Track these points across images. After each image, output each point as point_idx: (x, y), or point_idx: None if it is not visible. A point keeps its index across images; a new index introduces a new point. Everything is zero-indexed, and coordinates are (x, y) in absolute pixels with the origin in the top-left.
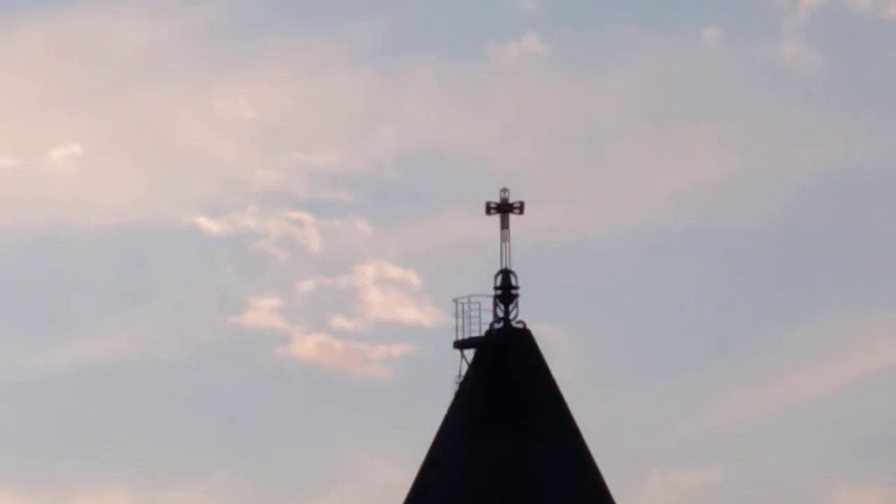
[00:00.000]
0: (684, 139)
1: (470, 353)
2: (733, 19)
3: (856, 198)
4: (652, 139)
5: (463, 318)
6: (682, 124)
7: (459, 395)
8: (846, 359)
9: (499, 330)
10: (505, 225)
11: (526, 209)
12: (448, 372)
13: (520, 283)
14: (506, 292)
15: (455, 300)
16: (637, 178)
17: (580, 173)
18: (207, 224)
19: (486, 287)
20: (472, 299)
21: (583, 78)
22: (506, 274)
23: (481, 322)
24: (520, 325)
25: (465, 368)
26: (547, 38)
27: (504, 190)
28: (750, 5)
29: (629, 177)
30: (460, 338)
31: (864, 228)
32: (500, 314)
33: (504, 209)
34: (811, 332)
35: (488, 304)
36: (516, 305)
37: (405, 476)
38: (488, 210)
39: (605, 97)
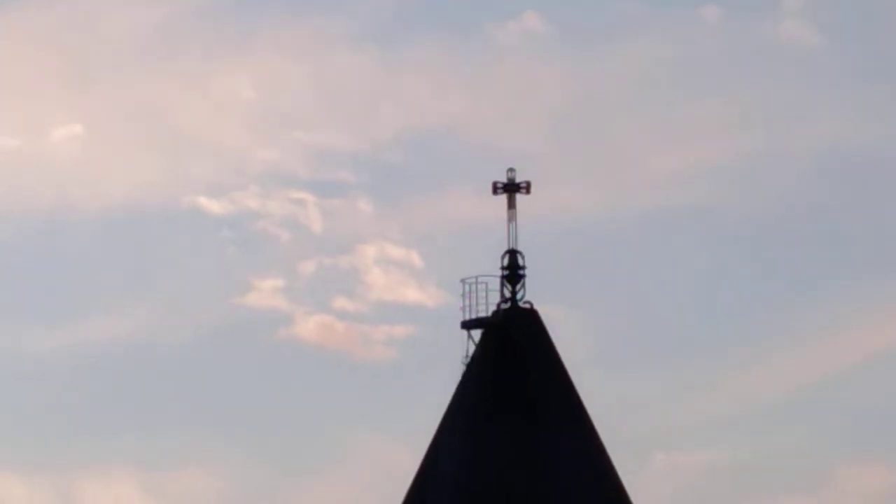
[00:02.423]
0: (688, 118)
1: (476, 334)
2: None
3: (859, 176)
4: (656, 118)
5: (469, 298)
6: (686, 103)
7: (466, 376)
8: (853, 339)
9: (506, 310)
10: (512, 205)
11: (533, 189)
12: (451, 353)
13: (527, 264)
14: (513, 272)
15: (462, 280)
16: (641, 157)
17: (586, 153)
18: (209, 204)
19: (493, 267)
20: (480, 279)
21: (584, 57)
22: (513, 254)
23: (488, 302)
24: (527, 306)
25: (472, 349)
26: (547, 16)
27: (511, 170)
28: None
29: (634, 156)
30: (467, 318)
31: (869, 207)
32: (507, 294)
33: (511, 189)
34: (819, 313)
35: (495, 284)
36: (523, 286)
37: (410, 457)
38: (495, 190)
39: (606, 76)
